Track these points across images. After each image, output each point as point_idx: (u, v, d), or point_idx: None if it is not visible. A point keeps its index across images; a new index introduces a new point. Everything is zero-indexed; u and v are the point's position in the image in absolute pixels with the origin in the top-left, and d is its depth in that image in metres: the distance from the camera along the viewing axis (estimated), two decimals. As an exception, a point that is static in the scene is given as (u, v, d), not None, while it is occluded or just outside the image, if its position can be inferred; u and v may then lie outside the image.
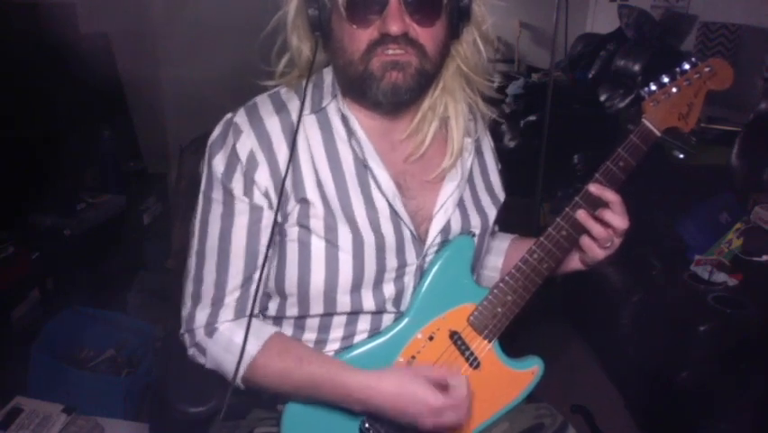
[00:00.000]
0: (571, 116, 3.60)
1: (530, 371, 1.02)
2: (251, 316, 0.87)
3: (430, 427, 0.87)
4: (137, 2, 3.12)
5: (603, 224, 0.94)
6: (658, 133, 0.97)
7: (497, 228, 1.16)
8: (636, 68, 3.81)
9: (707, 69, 0.98)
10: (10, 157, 2.13)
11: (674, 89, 0.98)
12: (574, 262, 1.03)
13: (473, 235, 1.00)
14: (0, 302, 1.97)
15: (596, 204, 0.95)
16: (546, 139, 2.82)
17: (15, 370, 1.79)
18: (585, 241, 0.96)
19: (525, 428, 1.02)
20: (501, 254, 1.14)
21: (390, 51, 0.83)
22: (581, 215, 0.94)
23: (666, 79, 0.98)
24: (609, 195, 0.93)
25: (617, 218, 0.93)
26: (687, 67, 0.98)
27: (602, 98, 4.08)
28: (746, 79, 3.21)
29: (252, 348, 0.89)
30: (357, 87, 0.88)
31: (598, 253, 0.96)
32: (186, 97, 3.12)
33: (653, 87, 0.98)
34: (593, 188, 0.94)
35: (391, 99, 0.87)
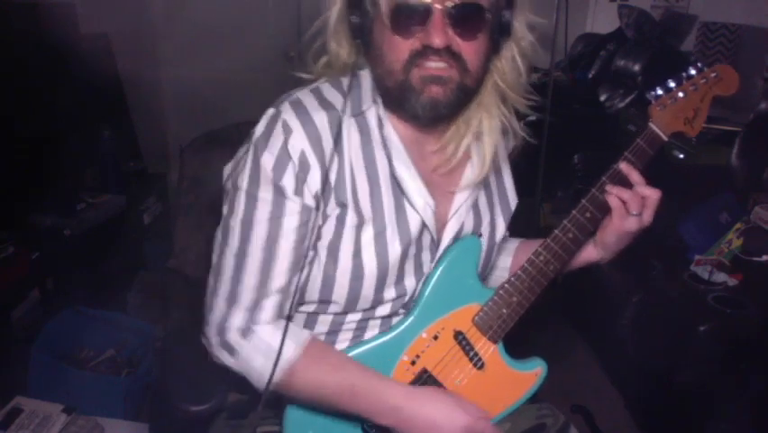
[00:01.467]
0: (571, 116, 3.60)
1: (533, 372, 1.02)
2: (289, 318, 0.86)
3: None
4: (137, 2, 3.12)
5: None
6: (665, 138, 0.98)
7: (507, 233, 1.16)
8: (636, 68, 3.80)
9: (713, 75, 0.99)
10: (10, 157, 2.13)
11: (681, 94, 0.98)
12: (588, 252, 1.03)
13: (480, 236, 1.00)
14: (0, 302, 1.97)
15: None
16: (546, 139, 2.82)
17: (15, 370, 1.79)
18: (614, 201, 0.94)
19: (527, 428, 1.02)
20: (510, 254, 1.14)
21: (432, 64, 0.83)
22: (609, 187, 0.94)
23: (673, 84, 0.98)
24: (636, 176, 0.94)
25: (647, 189, 0.94)
26: (693, 72, 0.99)
27: (602, 98, 4.08)
28: (746, 79, 3.19)
29: (291, 353, 0.87)
30: (394, 98, 0.88)
31: (627, 223, 0.95)
32: (186, 97, 3.12)
33: (660, 92, 0.98)
34: (623, 165, 0.94)
35: (429, 114, 0.86)
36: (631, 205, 0.94)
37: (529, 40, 0.91)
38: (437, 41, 0.81)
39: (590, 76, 4.39)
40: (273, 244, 0.87)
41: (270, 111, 0.89)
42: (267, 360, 0.87)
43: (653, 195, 0.94)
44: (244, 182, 0.87)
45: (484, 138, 0.94)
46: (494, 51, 0.89)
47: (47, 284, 2.16)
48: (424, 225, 0.93)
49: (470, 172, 0.97)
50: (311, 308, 0.94)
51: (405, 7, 0.82)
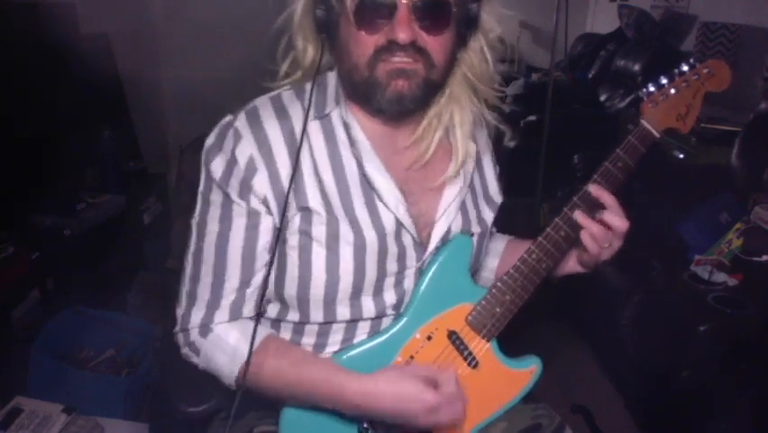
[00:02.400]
0: (571, 116, 3.60)
1: (528, 370, 1.02)
2: (258, 316, 0.87)
3: (427, 425, 0.87)
4: (137, 2, 3.12)
5: (602, 224, 0.94)
6: (657, 135, 0.97)
7: (494, 229, 1.16)
8: (636, 68, 3.81)
9: (705, 71, 0.99)
10: (10, 157, 2.13)
11: (672, 91, 0.98)
12: (572, 264, 1.03)
13: (472, 235, 1.00)
14: (0, 302, 1.97)
15: (594, 205, 0.95)
16: (546, 139, 2.82)
17: (15, 370, 1.79)
18: (586, 238, 0.94)
19: (523, 428, 1.02)
20: (497, 256, 1.14)
21: (397, 59, 0.82)
22: (579, 215, 0.93)
23: (664, 81, 0.98)
24: (607, 197, 0.93)
25: (616, 219, 0.93)
26: (685, 68, 0.99)
27: (602, 98, 4.09)
28: (746, 79, 3.21)
29: (247, 349, 0.88)
30: (361, 93, 0.87)
31: (597, 253, 0.95)
32: (186, 97, 3.12)
33: (652, 89, 0.98)
34: (592, 188, 0.94)
35: (395, 108, 0.86)
36: (600, 239, 0.94)
37: (497, 31, 0.91)
38: (402, 36, 0.80)
39: (590, 76, 4.39)
40: (224, 245, 0.89)
41: (226, 119, 0.91)
42: (227, 357, 0.89)
43: (621, 226, 0.93)
44: (201, 186, 0.91)
45: (456, 131, 0.95)
46: (461, 44, 0.89)
47: (47, 284, 2.16)
48: (399, 223, 0.92)
49: (452, 169, 0.96)
50: (295, 316, 0.94)
51: (370, 2, 0.81)
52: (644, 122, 0.97)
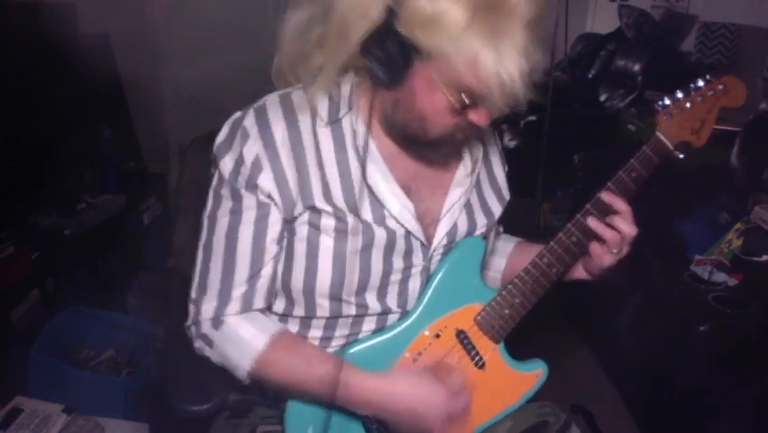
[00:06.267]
0: (571, 116, 3.60)
1: (534, 374, 1.02)
2: (264, 311, 0.88)
3: (439, 421, 0.87)
4: (137, 2, 3.12)
5: (613, 230, 0.95)
6: (671, 147, 0.99)
7: (501, 229, 1.16)
8: (636, 68, 3.80)
9: (720, 87, 1.01)
10: (10, 157, 2.13)
11: (688, 104, 0.99)
12: (578, 272, 1.04)
13: (484, 237, 1.01)
14: (0, 302, 1.97)
15: (606, 211, 0.96)
16: (546, 139, 2.83)
17: (15, 370, 1.79)
18: (594, 247, 0.96)
19: (530, 425, 1.02)
20: (504, 256, 1.15)
21: (466, 132, 0.87)
22: (592, 221, 0.95)
23: (680, 94, 1.00)
24: (620, 204, 0.95)
25: (627, 225, 0.94)
26: (701, 83, 1.00)
27: (602, 98, 4.08)
28: (746, 79, 3.19)
29: (259, 343, 0.89)
30: (409, 137, 0.89)
31: (606, 259, 0.96)
32: (186, 97, 3.12)
33: (668, 102, 0.99)
34: (605, 195, 0.95)
35: (434, 156, 0.93)
36: (611, 244, 0.95)
37: None
38: (485, 122, 0.83)
39: (590, 76, 4.38)
40: (233, 237, 0.90)
41: (236, 115, 0.92)
42: (238, 350, 0.90)
43: (630, 232, 0.94)
44: (214, 182, 0.93)
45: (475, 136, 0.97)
46: None
47: (47, 284, 2.16)
48: (404, 229, 0.92)
49: (463, 170, 0.98)
50: (301, 310, 0.95)
51: (489, 93, 0.77)
52: (659, 134, 0.98)
